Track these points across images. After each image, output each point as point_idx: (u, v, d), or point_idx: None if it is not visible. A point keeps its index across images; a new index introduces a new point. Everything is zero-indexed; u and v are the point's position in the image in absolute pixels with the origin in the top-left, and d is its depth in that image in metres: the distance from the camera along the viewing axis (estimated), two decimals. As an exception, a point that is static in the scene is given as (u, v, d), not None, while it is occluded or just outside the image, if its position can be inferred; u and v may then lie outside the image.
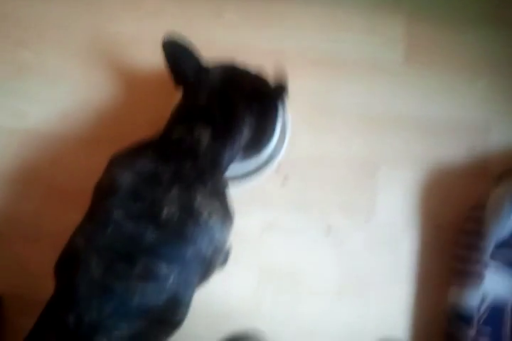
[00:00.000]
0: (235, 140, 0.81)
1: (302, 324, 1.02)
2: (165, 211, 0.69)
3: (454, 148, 1.10)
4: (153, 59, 1.12)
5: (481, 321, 0.92)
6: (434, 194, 1.07)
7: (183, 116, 0.80)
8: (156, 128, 0.81)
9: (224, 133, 0.79)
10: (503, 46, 1.15)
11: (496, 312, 0.92)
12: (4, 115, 1.11)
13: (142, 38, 1.14)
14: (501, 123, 1.11)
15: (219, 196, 0.76)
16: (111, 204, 0.69)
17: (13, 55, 1.15)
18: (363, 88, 1.13)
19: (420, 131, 1.10)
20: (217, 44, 1.13)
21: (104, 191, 0.73)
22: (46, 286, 0.71)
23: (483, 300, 0.93)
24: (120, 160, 0.76)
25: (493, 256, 0.93)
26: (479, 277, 0.93)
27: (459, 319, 0.94)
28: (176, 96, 0.86)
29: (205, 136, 0.76)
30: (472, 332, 0.91)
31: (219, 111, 0.79)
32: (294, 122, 1.07)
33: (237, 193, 0.91)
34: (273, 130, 0.97)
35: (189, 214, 0.70)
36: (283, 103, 0.96)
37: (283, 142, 1.04)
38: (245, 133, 0.83)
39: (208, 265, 0.76)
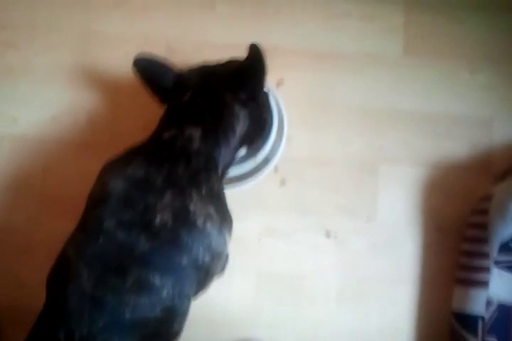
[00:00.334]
0: (228, 134, 0.78)
1: (303, 330, 1.00)
2: (158, 218, 0.67)
3: (456, 145, 1.07)
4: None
5: (487, 329, 0.90)
6: (436, 192, 1.05)
7: (171, 119, 0.79)
8: (148, 131, 0.80)
9: (215, 127, 0.77)
10: (503, 32, 1.12)
11: (501, 320, 0.90)
12: (-7, 120, 1.10)
13: (134, 36, 1.13)
14: (504, 117, 1.08)
15: (215, 201, 0.74)
16: (101, 213, 0.68)
17: (1, 58, 1.13)
18: (361, 82, 1.10)
19: (420, 127, 1.08)
20: (209, 40, 1.12)
21: (95, 200, 0.72)
22: (39, 296, 0.69)
23: (488, 307, 0.90)
24: (111, 168, 0.75)
25: (496, 261, 0.91)
26: (483, 283, 0.90)
27: (463, 328, 0.92)
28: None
29: (196, 134, 0.75)
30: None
31: (206, 106, 0.77)
32: (291, 120, 1.05)
33: (233, 196, 0.89)
34: (270, 119, 0.95)
35: (183, 221, 0.68)
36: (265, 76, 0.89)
37: (280, 142, 1.02)
38: (240, 127, 0.81)
39: (205, 273, 0.74)
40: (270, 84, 1.00)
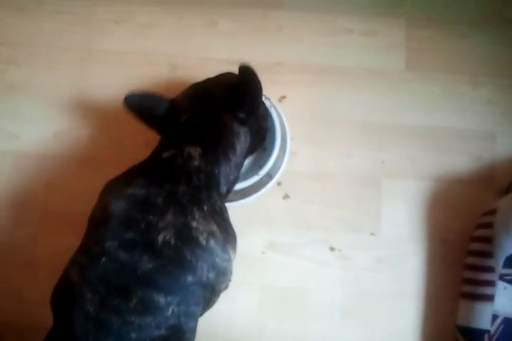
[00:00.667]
0: (227, 152, 0.78)
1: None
2: (160, 237, 0.66)
3: (459, 159, 1.07)
4: (149, 74, 1.11)
5: None
6: (440, 206, 1.04)
7: (170, 140, 0.78)
8: (150, 147, 0.80)
9: (214, 146, 0.77)
10: (505, 47, 1.12)
11: (507, 334, 0.89)
12: (-5, 137, 1.10)
13: (136, 53, 1.13)
14: (507, 131, 1.08)
15: (217, 218, 0.74)
16: (103, 235, 0.67)
17: (3, 75, 1.13)
18: (363, 97, 1.10)
19: (423, 142, 1.08)
20: (212, 56, 1.12)
21: (96, 221, 0.71)
22: (41, 313, 0.70)
23: (493, 321, 0.89)
24: (112, 189, 0.74)
25: (501, 275, 0.90)
26: (489, 297, 0.89)
27: None
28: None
29: (195, 152, 0.74)
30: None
31: (204, 126, 0.77)
32: (294, 135, 1.06)
33: (237, 210, 0.89)
34: (271, 126, 0.95)
35: (186, 240, 0.68)
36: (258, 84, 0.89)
37: (283, 157, 1.02)
38: (241, 145, 0.81)
39: (211, 290, 0.73)
40: (273, 99, 1.00)
